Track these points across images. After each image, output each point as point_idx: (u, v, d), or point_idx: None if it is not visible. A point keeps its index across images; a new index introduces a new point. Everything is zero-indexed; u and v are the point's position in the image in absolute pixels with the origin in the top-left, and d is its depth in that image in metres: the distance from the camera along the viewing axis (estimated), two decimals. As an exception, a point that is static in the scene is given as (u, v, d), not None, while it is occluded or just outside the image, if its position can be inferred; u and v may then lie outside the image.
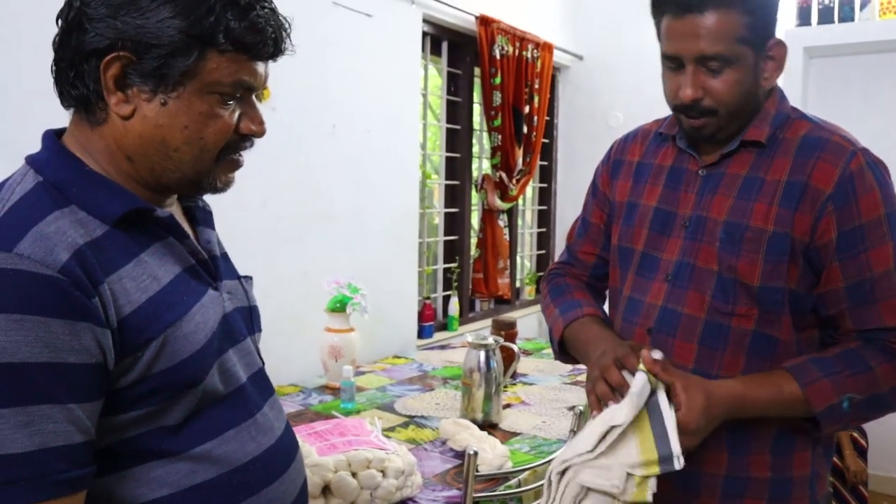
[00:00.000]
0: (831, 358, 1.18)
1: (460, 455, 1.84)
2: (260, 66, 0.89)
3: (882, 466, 3.74)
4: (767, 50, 1.19)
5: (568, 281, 1.48)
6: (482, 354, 2.15)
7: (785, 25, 3.77)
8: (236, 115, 0.89)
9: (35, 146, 0.90)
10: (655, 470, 1.06)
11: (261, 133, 0.91)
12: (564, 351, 1.40)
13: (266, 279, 2.60)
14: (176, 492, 0.86)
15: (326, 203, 2.82)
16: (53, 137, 0.88)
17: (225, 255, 1.05)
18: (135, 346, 0.81)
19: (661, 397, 1.10)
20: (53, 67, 0.86)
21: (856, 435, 3.14)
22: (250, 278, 1.10)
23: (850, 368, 1.16)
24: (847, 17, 3.62)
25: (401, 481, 1.61)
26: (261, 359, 1.06)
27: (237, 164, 0.94)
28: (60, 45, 0.85)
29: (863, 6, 3.60)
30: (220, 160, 0.90)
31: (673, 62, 1.20)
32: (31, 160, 0.86)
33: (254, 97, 0.92)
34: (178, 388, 0.85)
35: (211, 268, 0.96)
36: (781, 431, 1.22)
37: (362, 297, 2.56)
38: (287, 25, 0.92)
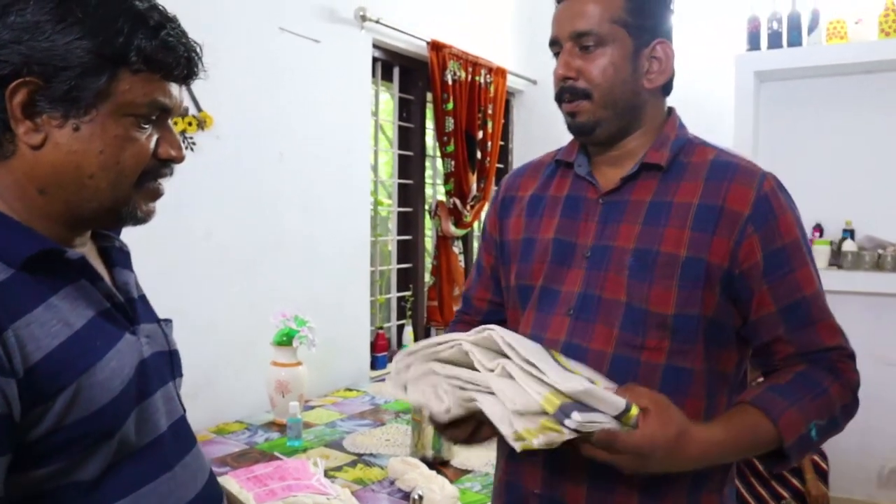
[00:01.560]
0: (787, 385, 1.13)
1: (409, 496, 1.76)
2: (174, 88, 0.86)
3: (844, 488, 3.75)
4: (652, 48, 1.19)
5: (456, 328, 1.42)
6: (432, 388, 2.09)
7: (735, 50, 3.80)
8: (154, 139, 0.86)
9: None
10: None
11: (179, 158, 0.88)
12: None
13: (211, 311, 2.53)
14: None
15: (275, 232, 2.74)
16: None
17: (143, 298, 1.00)
18: (45, 396, 0.75)
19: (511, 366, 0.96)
20: None
21: (816, 458, 3.12)
22: (170, 321, 1.04)
23: (810, 393, 1.12)
24: (795, 41, 3.67)
25: (343, 528, 1.53)
26: (182, 406, 1.00)
27: (157, 193, 0.89)
28: None
29: (810, 31, 3.65)
30: (139, 187, 0.86)
31: (555, 47, 1.20)
32: None
33: (170, 122, 0.89)
34: (94, 438, 0.80)
35: (127, 311, 0.91)
36: (697, 475, 1.15)
37: (309, 329, 2.48)
38: (199, 48, 0.89)
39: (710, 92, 3.85)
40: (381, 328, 3.42)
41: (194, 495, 0.93)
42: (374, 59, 3.31)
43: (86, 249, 0.91)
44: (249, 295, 2.63)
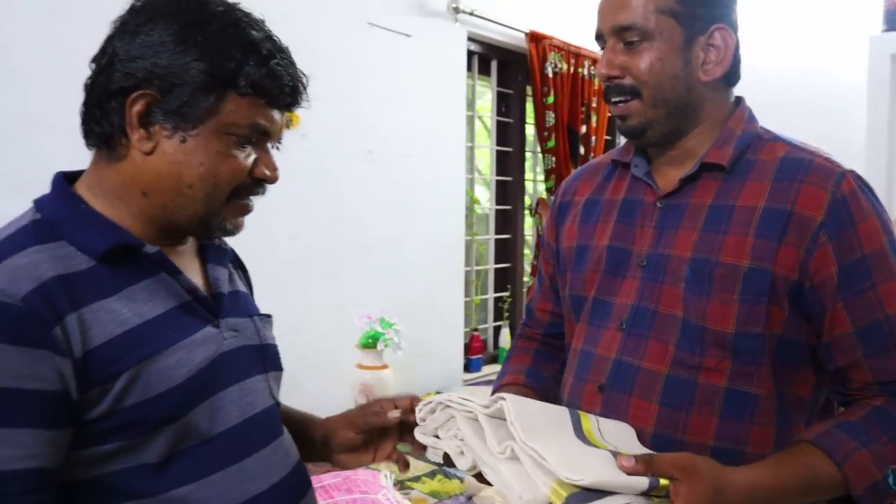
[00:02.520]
0: (859, 422, 0.98)
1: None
2: (276, 114, 0.92)
3: None
4: (708, 36, 1.05)
5: (518, 343, 1.37)
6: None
7: (870, 30, 3.45)
8: (251, 158, 0.91)
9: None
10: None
11: (273, 179, 0.94)
12: None
13: (297, 313, 2.51)
14: None
15: (361, 233, 2.70)
16: (60, 179, 0.92)
17: (236, 293, 1.04)
18: (103, 378, 0.81)
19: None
20: (82, 108, 0.91)
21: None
22: (268, 316, 1.08)
23: (887, 433, 0.97)
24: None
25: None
26: (275, 399, 1.03)
27: (246, 209, 0.95)
28: (92, 86, 0.90)
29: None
30: (230, 202, 0.92)
31: (600, 42, 1.10)
32: (36, 201, 0.91)
33: (269, 145, 0.95)
34: (153, 423, 0.84)
35: (211, 305, 0.95)
36: None
37: (395, 332, 2.42)
38: (305, 79, 0.95)
39: (840, 78, 3.52)
40: (475, 330, 3.32)
41: (268, 487, 0.94)
42: (471, 53, 3.21)
43: (185, 247, 0.99)
44: (335, 296, 2.59)
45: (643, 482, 0.84)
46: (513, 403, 0.89)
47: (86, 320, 0.80)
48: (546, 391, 1.23)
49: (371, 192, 2.71)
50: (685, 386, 1.03)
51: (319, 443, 1.13)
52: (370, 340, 2.43)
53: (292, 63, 0.93)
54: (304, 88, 0.95)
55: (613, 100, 1.08)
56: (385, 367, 2.44)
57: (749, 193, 1.03)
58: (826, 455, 0.95)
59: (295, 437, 1.07)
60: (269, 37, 0.91)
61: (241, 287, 1.07)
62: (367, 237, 2.71)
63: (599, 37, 1.10)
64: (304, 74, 0.95)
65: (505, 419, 0.89)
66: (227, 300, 0.99)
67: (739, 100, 1.14)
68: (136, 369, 0.82)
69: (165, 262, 0.91)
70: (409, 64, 2.82)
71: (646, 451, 0.97)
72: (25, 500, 0.76)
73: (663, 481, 0.85)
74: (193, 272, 0.98)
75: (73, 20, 1.88)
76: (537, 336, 1.35)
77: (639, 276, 1.09)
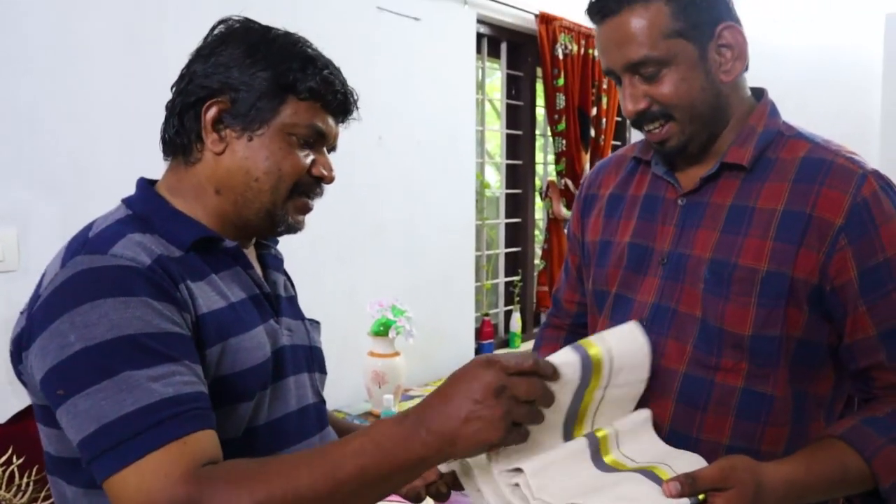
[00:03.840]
0: (886, 418, 0.99)
1: None
2: (331, 120, 1.03)
3: None
4: (717, 38, 1.02)
5: (546, 333, 1.38)
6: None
7: (886, 7, 3.40)
8: (310, 158, 1.01)
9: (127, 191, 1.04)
10: None
11: (329, 179, 1.03)
12: None
13: (309, 300, 2.49)
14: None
15: (374, 218, 2.69)
16: (145, 182, 1.04)
17: (290, 298, 1.14)
18: (205, 343, 0.90)
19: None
20: (163, 124, 1.02)
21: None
22: (317, 322, 1.19)
23: None
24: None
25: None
26: (318, 397, 1.11)
27: (307, 207, 1.04)
28: (172, 104, 1.01)
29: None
30: (292, 198, 1.01)
31: (612, 77, 1.07)
32: (125, 199, 1.01)
33: (325, 149, 1.05)
34: (234, 397, 0.93)
35: (273, 302, 1.06)
36: None
37: (407, 319, 2.42)
38: (354, 93, 1.05)
39: (856, 54, 3.46)
40: (486, 315, 3.32)
41: None
42: (480, 35, 3.18)
43: (248, 252, 1.08)
44: (348, 283, 2.59)
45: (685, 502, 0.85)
46: (532, 477, 0.85)
47: (192, 290, 0.92)
48: None
49: (381, 178, 2.70)
50: (702, 385, 1.03)
51: None
52: (381, 328, 2.42)
53: (341, 74, 1.04)
54: (353, 99, 1.05)
55: (647, 128, 1.06)
56: (396, 354, 2.44)
57: (769, 195, 1.02)
58: (855, 450, 0.96)
59: None
60: (321, 54, 1.04)
61: (293, 293, 1.18)
62: (377, 222, 2.70)
63: (610, 73, 1.07)
64: (353, 89, 1.05)
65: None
66: (285, 302, 1.09)
67: (762, 93, 1.12)
68: (225, 344, 0.92)
69: (241, 255, 1.02)
70: (418, 48, 2.80)
71: (669, 449, 0.96)
72: (203, 416, 0.84)
73: (702, 496, 0.86)
74: (257, 272, 1.07)
75: (90, 20, 1.87)
76: (565, 325, 1.36)
77: (660, 273, 1.09)
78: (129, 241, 0.90)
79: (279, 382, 1.01)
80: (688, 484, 0.86)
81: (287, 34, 1.03)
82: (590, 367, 0.88)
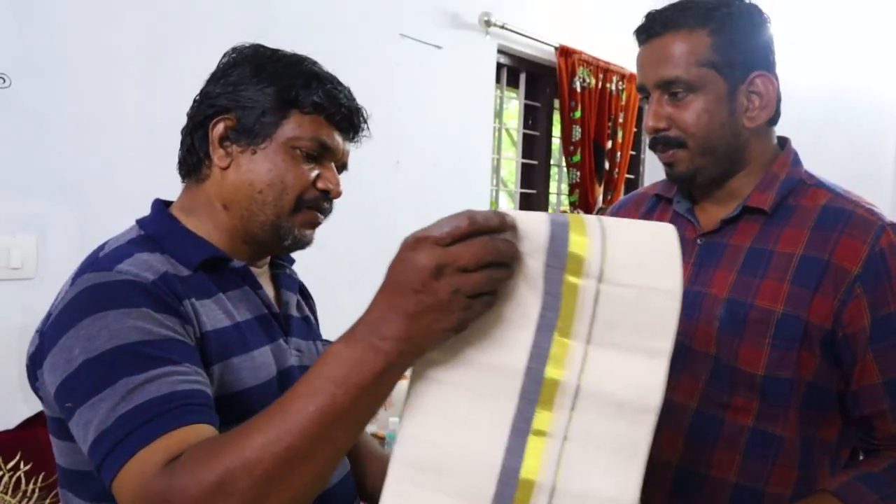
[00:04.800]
0: (881, 474, 1.00)
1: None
2: (337, 135, 1.02)
3: None
4: (749, 83, 1.06)
5: None
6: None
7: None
8: (314, 172, 1.00)
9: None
10: None
11: (335, 193, 1.02)
12: None
13: (323, 321, 2.49)
14: None
15: (390, 242, 2.68)
16: (159, 204, 1.05)
17: (306, 319, 1.15)
18: (207, 361, 0.90)
19: None
20: (180, 148, 1.05)
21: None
22: (330, 343, 1.11)
23: None
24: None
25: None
26: None
27: (314, 221, 1.03)
28: (186, 127, 1.04)
29: None
30: (297, 211, 1.00)
31: (643, 93, 1.12)
32: (139, 220, 1.03)
33: (333, 165, 1.04)
34: (237, 416, 0.88)
35: (283, 322, 1.05)
36: None
37: (416, 343, 2.41)
38: (363, 111, 1.05)
39: (868, 100, 3.48)
40: (495, 342, 3.31)
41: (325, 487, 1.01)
42: (500, 65, 3.21)
43: (261, 271, 1.08)
44: (361, 305, 2.57)
45: None
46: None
47: (197, 308, 0.92)
48: None
49: (398, 202, 2.72)
50: (712, 422, 1.05)
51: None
52: (392, 350, 2.42)
53: (346, 89, 1.05)
54: (359, 115, 1.05)
55: (660, 150, 1.10)
56: (404, 377, 2.43)
57: (788, 239, 1.04)
58: None
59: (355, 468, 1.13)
60: (328, 73, 1.05)
61: (308, 314, 1.18)
62: (393, 245, 2.70)
63: (642, 89, 1.11)
64: (360, 105, 1.05)
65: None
66: (296, 322, 1.09)
67: (785, 141, 1.14)
68: (224, 364, 0.92)
69: (249, 275, 1.02)
70: (439, 75, 2.83)
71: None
72: (196, 411, 0.82)
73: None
74: (268, 292, 1.07)
75: (118, 22, 1.91)
76: None
77: None
78: (137, 259, 0.92)
79: None
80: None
81: (294, 55, 1.04)
82: (565, 227, 0.66)
